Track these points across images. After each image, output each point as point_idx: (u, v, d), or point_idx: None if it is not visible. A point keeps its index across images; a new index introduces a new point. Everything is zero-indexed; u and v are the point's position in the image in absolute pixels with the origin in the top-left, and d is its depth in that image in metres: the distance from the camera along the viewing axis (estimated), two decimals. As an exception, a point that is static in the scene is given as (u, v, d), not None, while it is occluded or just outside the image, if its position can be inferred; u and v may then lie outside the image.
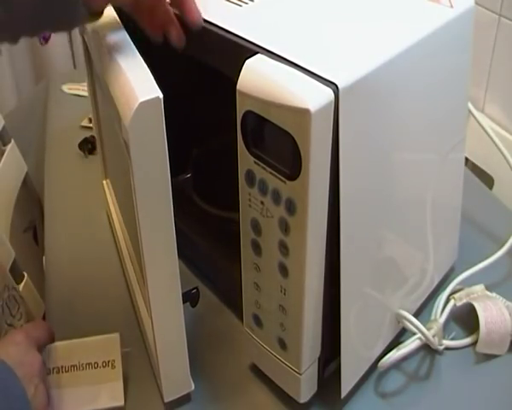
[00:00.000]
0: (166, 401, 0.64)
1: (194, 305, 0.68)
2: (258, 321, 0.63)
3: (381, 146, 0.57)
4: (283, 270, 0.56)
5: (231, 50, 0.55)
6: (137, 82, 0.50)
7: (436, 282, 0.76)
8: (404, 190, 0.63)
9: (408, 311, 0.67)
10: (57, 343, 0.65)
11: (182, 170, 0.88)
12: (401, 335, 0.71)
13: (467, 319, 0.72)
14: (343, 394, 0.63)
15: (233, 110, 0.53)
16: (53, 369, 0.64)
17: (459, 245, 0.79)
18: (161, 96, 0.48)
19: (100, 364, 0.65)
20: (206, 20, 0.59)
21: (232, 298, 0.75)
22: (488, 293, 0.73)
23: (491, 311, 0.70)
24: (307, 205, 0.50)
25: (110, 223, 0.88)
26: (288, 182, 0.51)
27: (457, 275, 0.75)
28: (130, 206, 0.54)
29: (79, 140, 1.05)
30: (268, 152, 0.52)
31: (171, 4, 0.60)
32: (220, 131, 0.69)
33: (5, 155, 1.07)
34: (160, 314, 0.58)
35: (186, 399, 0.66)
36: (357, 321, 0.61)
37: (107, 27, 0.59)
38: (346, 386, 0.64)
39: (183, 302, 0.60)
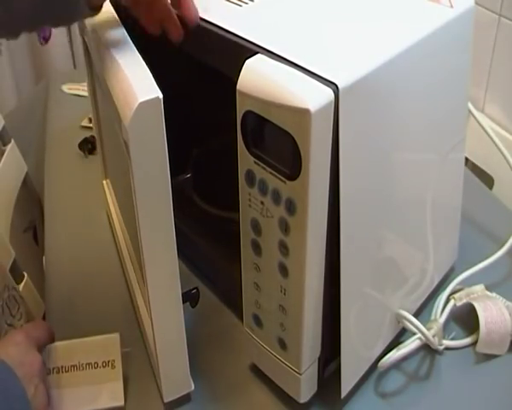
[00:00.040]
0: (166, 401, 0.64)
1: (194, 305, 0.68)
2: (258, 321, 0.63)
3: (381, 146, 0.57)
4: (283, 270, 0.56)
5: (231, 50, 0.55)
6: (137, 82, 0.50)
7: (436, 282, 0.76)
8: (404, 190, 0.63)
9: (408, 311, 0.67)
10: (57, 343, 0.65)
11: (182, 170, 0.88)
12: (401, 335, 0.71)
13: (467, 319, 0.72)
14: (343, 394, 0.63)
15: (233, 110, 0.53)
16: (53, 369, 0.64)
17: (459, 245, 0.79)
18: (161, 96, 0.48)
19: (100, 364, 0.65)
20: (206, 20, 0.59)
21: (232, 298, 0.75)
22: (488, 293, 0.73)
23: (491, 311, 0.70)
24: (307, 205, 0.50)
25: (110, 223, 0.88)
26: (288, 182, 0.51)
27: (457, 275, 0.75)
28: (130, 206, 0.54)
29: (79, 140, 1.05)
30: (268, 152, 0.52)
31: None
32: (220, 131, 0.69)
33: (5, 155, 1.07)
34: (159, 314, 0.58)
35: (186, 399, 0.66)
36: (357, 321, 0.61)
37: (107, 27, 0.59)
38: (346, 386, 0.64)
39: (183, 302, 0.60)
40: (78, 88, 1.23)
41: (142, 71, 0.52)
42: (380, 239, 0.62)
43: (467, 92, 0.69)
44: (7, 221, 1.01)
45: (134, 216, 0.53)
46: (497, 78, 0.98)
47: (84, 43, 0.73)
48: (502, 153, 0.80)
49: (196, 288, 0.68)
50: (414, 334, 0.67)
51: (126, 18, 0.60)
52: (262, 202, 0.55)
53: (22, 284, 0.92)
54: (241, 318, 0.66)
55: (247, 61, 0.52)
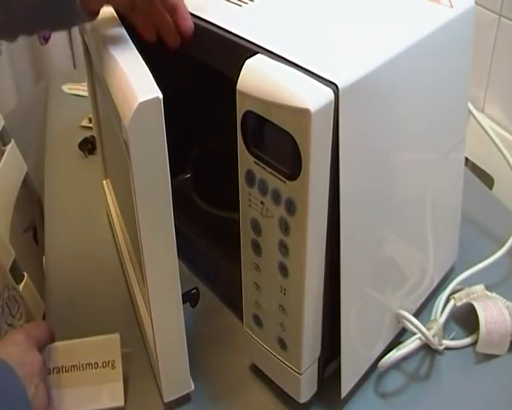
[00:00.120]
0: (166, 401, 0.64)
1: (194, 305, 0.68)
2: (258, 321, 0.63)
3: (381, 146, 0.57)
4: (283, 270, 0.56)
5: (231, 50, 0.55)
6: (137, 82, 0.50)
7: (436, 282, 0.76)
8: (404, 190, 0.63)
9: (408, 311, 0.67)
10: (57, 343, 0.65)
11: (182, 170, 0.88)
12: (401, 335, 0.71)
13: (467, 319, 0.72)
14: (343, 394, 0.63)
15: (233, 110, 0.53)
16: (53, 369, 0.64)
17: (459, 245, 0.79)
18: (161, 96, 0.48)
19: (100, 364, 0.65)
20: (206, 20, 0.59)
21: (232, 298, 0.75)
22: (488, 293, 0.73)
23: (491, 311, 0.70)
24: (307, 205, 0.50)
25: (110, 223, 0.88)
26: (288, 182, 0.51)
27: (457, 275, 0.75)
28: (130, 206, 0.54)
29: (79, 140, 1.05)
30: (268, 152, 0.52)
31: (164, 8, 0.60)
32: (220, 131, 0.69)
33: (5, 155, 1.07)
34: (159, 314, 0.58)
35: (186, 399, 0.66)
36: (357, 321, 0.61)
37: (107, 27, 0.59)
38: (346, 386, 0.64)
39: (183, 302, 0.60)
40: (78, 88, 1.23)
41: (142, 71, 0.52)
42: (380, 239, 0.62)
43: (467, 92, 0.69)
44: (7, 221, 1.01)
45: (134, 216, 0.53)
46: (497, 78, 0.98)
47: (84, 43, 0.73)
48: (502, 153, 0.80)
49: (196, 288, 0.68)
50: (414, 334, 0.67)
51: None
52: (262, 202, 0.55)
53: (22, 284, 0.92)
54: (241, 318, 0.66)
55: (247, 61, 0.52)
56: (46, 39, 1.58)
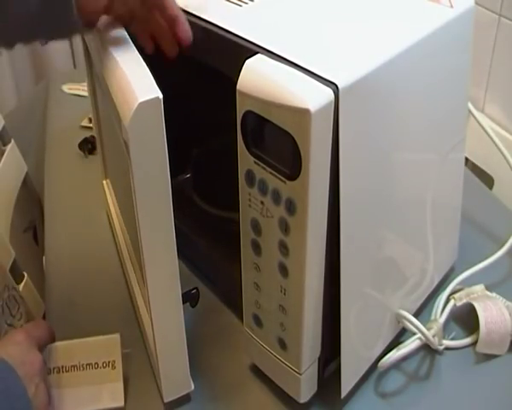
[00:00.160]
0: (166, 401, 0.64)
1: (194, 305, 0.68)
2: (258, 321, 0.63)
3: (381, 146, 0.57)
4: (283, 270, 0.56)
5: (231, 50, 0.55)
6: (137, 82, 0.50)
7: (436, 282, 0.76)
8: (404, 190, 0.63)
9: (408, 311, 0.67)
10: (58, 343, 0.65)
11: (182, 170, 0.88)
12: (401, 335, 0.71)
13: (467, 319, 0.72)
14: (343, 394, 0.63)
15: (233, 110, 0.53)
16: (53, 369, 0.64)
17: (459, 245, 0.79)
18: (161, 96, 0.48)
19: (100, 364, 0.65)
20: (206, 20, 0.59)
21: (232, 298, 0.75)
22: (488, 293, 0.73)
23: (491, 311, 0.70)
24: (307, 205, 0.50)
25: (110, 223, 0.88)
26: (288, 182, 0.51)
27: (457, 275, 0.75)
28: (130, 206, 0.54)
29: (79, 140, 1.06)
30: (268, 152, 0.52)
31: (163, 18, 0.60)
32: (220, 131, 0.69)
33: (5, 155, 1.07)
34: (159, 314, 0.58)
35: (186, 399, 0.66)
36: (357, 321, 0.61)
37: (107, 27, 0.59)
38: (346, 386, 0.64)
39: (183, 302, 0.60)
40: (78, 88, 1.23)
41: (142, 71, 0.52)
42: (380, 239, 0.62)
43: (467, 92, 0.69)
44: (7, 221, 1.01)
45: (134, 216, 0.53)
46: (497, 78, 0.98)
47: (84, 43, 0.73)
48: (502, 153, 0.80)
49: (196, 288, 0.68)
50: (414, 334, 0.67)
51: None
52: (262, 202, 0.55)
53: (22, 284, 0.92)
54: (241, 318, 0.66)
55: (247, 61, 0.52)
56: (46, 39, 1.58)
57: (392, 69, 0.54)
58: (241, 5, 0.61)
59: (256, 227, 0.57)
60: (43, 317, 0.89)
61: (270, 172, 0.52)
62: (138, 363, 0.69)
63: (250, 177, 0.55)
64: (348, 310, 0.59)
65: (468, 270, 0.75)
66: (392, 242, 0.64)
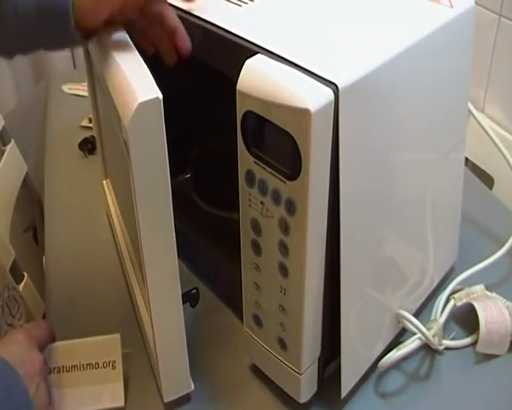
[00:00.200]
0: (166, 401, 0.64)
1: (194, 305, 0.68)
2: (258, 321, 0.63)
3: (381, 146, 0.57)
4: (283, 270, 0.56)
5: (231, 50, 0.55)
6: (137, 82, 0.50)
7: (436, 282, 0.76)
8: (404, 190, 0.63)
9: (408, 311, 0.67)
10: (58, 343, 0.65)
11: (182, 170, 0.88)
12: (401, 335, 0.71)
13: (467, 319, 0.72)
14: (343, 394, 0.63)
15: (233, 110, 0.53)
16: (54, 369, 0.64)
17: (459, 245, 0.79)
18: (161, 96, 0.48)
19: (100, 364, 0.65)
20: (206, 20, 0.59)
21: (232, 298, 0.75)
22: (488, 293, 0.73)
23: (491, 311, 0.70)
24: (307, 205, 0.50)
25: (110, 223, 0.88)
26: (288, 182, 0.51)
27: (457, 275, 0.75)
28: (130, 206, 0.54)
29: (79, 140, 1.06)
30: (268, 152, 0.52)
31: (163, 29, 0.60)
32: (220, 131, 0.69)
33: (5, 155, 1.08)
34: (159, 314, 0.58)
35: (186, 399, 0.66)
36: (357, 321, 0.61)
37: (107, 27, 0.59)
38: (346, 386, 0.64)
39: (183, 302, 0.60)
40: (78, 88, 1.23)
41: (142, 71, 0.52)
42: (380, 239, 0.62)
43: (467, 92, 0.69)
44: (7, 221, 1.01)
45: (134, 216, 0.53)
46: (497, 78, 0.98)
47: (84, 43, 0.73)
48: (502, 153, 0.80)
49: (196, 288, 0.68)
50: (414, 334, 0.67)
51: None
52: (262, 202, 0.55)
53: (22, 284, 0.92)
54: (241, 318, 0.66)
55: (247, 61, 0.52)
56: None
57: (392, 69, 0.54)
58: (241, 5, 0.61)
59: (256, 227, 0.57)
60: (43, 317, 0.89)
61: (270, 173, 0.52)
62: (138, 363, 0.69)
63: (250, 177, 0.55)
64: (348, 310, 0.59)
65: (468, 270, 0.75)
66: (392, 242, 0.64)
